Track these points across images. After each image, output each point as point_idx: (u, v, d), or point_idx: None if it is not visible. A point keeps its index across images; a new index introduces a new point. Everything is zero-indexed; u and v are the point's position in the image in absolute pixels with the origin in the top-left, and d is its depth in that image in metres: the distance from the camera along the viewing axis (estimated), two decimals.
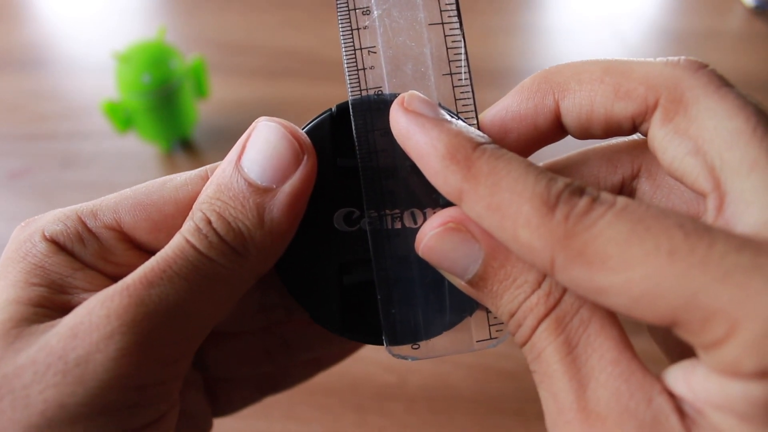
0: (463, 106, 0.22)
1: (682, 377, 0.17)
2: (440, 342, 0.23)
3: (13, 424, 0.18)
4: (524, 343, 0.19)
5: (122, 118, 0.55)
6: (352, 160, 0.22)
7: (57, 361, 0.18)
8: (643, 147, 0.21)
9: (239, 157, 0.21)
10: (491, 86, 0.64)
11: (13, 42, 0.75)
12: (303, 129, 0.22)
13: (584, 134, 0.21)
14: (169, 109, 0.55)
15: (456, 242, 0.19)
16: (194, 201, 0.21)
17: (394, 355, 0.23)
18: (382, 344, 0.23)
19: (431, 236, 0.20)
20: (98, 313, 0.18)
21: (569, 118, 0.21)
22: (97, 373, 0.18)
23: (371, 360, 0.45)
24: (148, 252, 0.21)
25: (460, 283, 0.20)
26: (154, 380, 0.19)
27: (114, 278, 0.20)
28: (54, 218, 0.21)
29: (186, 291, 0.19)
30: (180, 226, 0.20)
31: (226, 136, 0.61)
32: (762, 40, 0.73)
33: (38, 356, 0.18)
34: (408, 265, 0.22)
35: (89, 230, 0.21)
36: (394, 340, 0.22)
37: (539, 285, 0.19)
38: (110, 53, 0.53)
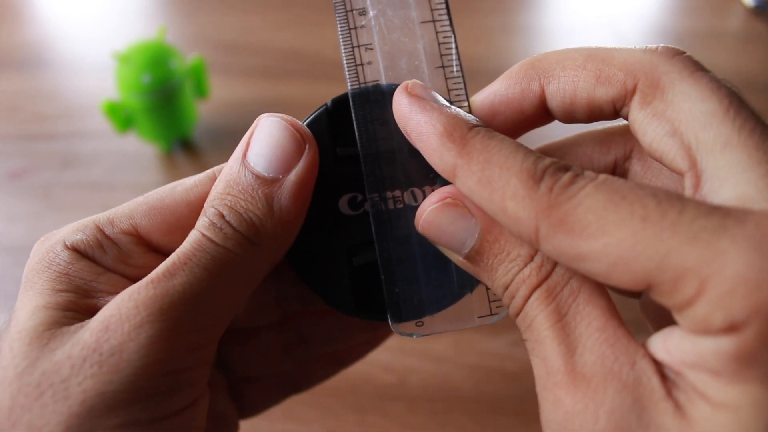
0: (456, 95, 0.23)
1: (661, 343, 0.18)
2: (443, 318, 0.24)
3: (56, 416, 0.19)
4: (517, 314, 0.20)
5: (122, 118, 0.55)
6: (351, 149, 0.23)
7: (92, 353, 0.19)
8: None
9: (245, 153, 0.22)
10: None
11: (13, 42, 0.74)
12: (303, 123, 0.23)
13: (568, 118, 0.22)
14: (169, 109, 0.55)
15: (453, 217, 0.21)
16: (205, 201, 0.22)
17: (399, 333, 0.23)
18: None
19: (430, 211, 0.21)
20: (127, 305, 0.20)
21: (554, 102, 0.22)
22: (131, 360, 0.19)
23: (371, 360, 0.45)
24: (164, 254, 0.22)
25: (457, 259, 0.21)
26: (184, 365, 0.20)
27: (134, 280, 0.21)
28: (73, 229, 0.22)
29: (207, 280, 0.20)
30: (193, 226, 0.21)
31: (226, 136, 0.61)
32: (762, 40, 0.73)
33: (73, 351, 0.19)
34: (409, 243, 0.23)
35: (108, 237, 0.22)
36: (398, 318, 0.23)
37: (531, 258, 0.20)
38: (110, 53, 0.53)
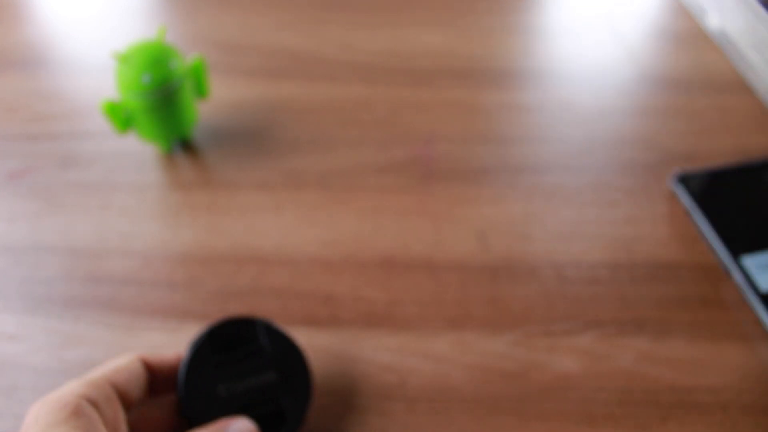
0: None
1: None
2: None
3: None
4: None
5: (122, 118, 0.55)
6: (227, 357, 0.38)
7: None
8: None
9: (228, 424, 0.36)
10: (491, 86, 0.64)
11: (13, 42, 0.75)
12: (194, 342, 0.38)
13: None
14: (169, 109, 0.55)
15: None
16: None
17: None
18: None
19: None
20: None
21: None
22: None
23: (371, 360, 0.45)
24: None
25: None
26: None
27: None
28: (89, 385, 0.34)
29: None
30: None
31: (226, 136, 0.61)
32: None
33: None
34: None
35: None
36: None
37: None
38: (110, 53, 0.53)
